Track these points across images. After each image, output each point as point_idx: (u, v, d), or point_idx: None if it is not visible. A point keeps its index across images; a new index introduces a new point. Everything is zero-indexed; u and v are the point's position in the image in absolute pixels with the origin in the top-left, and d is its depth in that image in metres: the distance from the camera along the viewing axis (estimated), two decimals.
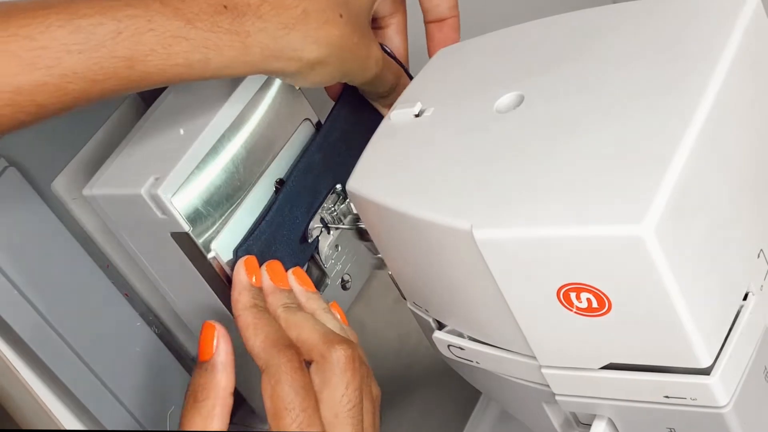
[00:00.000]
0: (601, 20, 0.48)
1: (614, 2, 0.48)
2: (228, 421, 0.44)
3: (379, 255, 0.51)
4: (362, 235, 0.53)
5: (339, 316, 0.50)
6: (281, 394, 0.43)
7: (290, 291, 0.49)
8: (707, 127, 0.38)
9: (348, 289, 0.58)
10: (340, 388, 0.44)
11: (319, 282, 0.56)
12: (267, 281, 0.49)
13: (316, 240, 0.54)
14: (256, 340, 0.45)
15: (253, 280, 0.48)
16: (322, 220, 0.54)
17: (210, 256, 0.50)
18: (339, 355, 0.45)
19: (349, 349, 0.45)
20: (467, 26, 0.56)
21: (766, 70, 0.43)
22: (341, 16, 0.46)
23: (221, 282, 0.51)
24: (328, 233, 0.55)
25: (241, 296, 0.47)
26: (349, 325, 0.50)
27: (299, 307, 0.48)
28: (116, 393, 0.57)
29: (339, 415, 0.44)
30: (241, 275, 0.48)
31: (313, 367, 0.45)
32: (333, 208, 0.54)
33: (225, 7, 0.43)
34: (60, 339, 0.54)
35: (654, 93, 0.41)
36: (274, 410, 0.43)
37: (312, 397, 0.43)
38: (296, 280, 0.50)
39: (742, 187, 0.41)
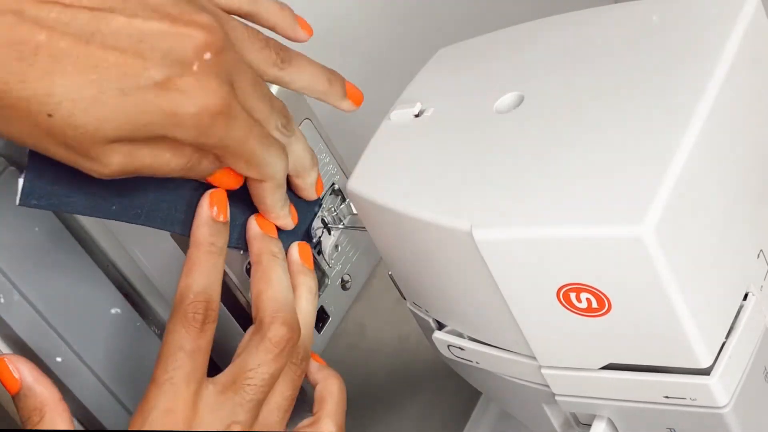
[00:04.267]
0: (601, 20, 0.48)
1: (615, 2, 0.48)
2: (71, 419, 0.44)
3: None
4: None
5: (314, 303, 0.49)
6: (170, 342, 0.44)
7: (278, 241, 0.48)
8: (707, 127, 0.38)
9: (348, 289, 0.58)
10: (252, 361, 0.44)
11: (319, 282, 0.56)
12: (254, 227, 0.48)
13: (319, 240, 0.54)
14: (183, 279, 0.45)
15: (214, 213, 0.46)
16: (322, 220, 0.54)
17: None
18: (273, 335, 0.45)
19: (287, 335, 0.45)
20: (467, 26, 0.56)
21: (766, 70, 0.43)
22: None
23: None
24: (329, 234, 0.55)
25: (198, 230, 0.45)
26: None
27: (283, 264, 0.48)
28: (116, 393, 0.57)
29: (236, 382, 0.44)
30: (202, 208, 0.46)
31: (251, 328, 0.46)
32: (333, 209, 0.54)
33: None
34: (60, 339, 0.53)
35: (654, 93, 0.41)
36: (160, 352, 0.44)
37: (197, 357, 0.43)
38: (298, 251, 0.50)
39: (741, 188, 0.41)
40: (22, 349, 0.53)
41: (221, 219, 0.46)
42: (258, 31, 0.46)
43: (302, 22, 0.48)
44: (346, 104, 0.50)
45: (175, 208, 0.46)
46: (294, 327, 0.46)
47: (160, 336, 0.60)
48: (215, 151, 0.42)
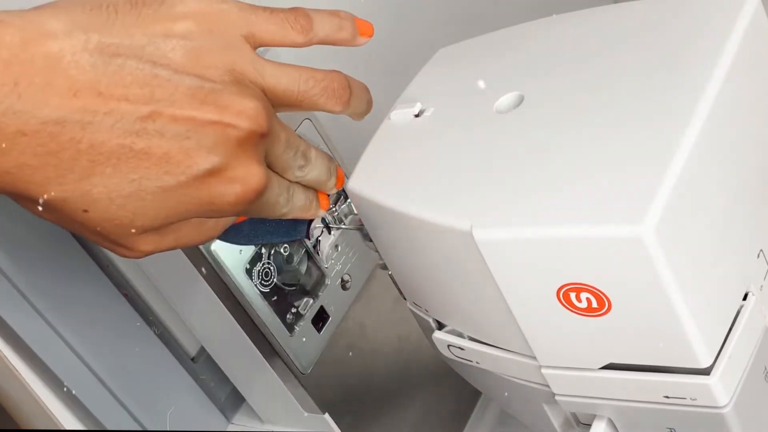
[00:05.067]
0: (601, 20, 0.48)
1: (614, 2, 0.48)
2: None
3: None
4: (367, 236, 0.53)
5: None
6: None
7: None
8: (707, 127, 0.38)
9: (348, 289, 0.58)
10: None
11: (319, 282, 0.56)
12: None
13: (317, 240, 0.54)
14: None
15: None
16: (323, 220, 0.54)
17: (210, 256, 0.50)
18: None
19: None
20: (467, 26, 0.56)
21: (766, 70, 0.43)
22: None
23: (221, 282, 0.51)
24: (329, 233, 0.55)
25: None
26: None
27: None
28: (116, 393, 0.57)
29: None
30: None
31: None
32: (334, 209, 0.54)
33: None
34: (60, 339, 0.54)
35: (654, 93, 0.41)
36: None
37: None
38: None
39: (741, 188, 0.41)
40: (22, 348, 0.53)
41: None
42: (314, 78, 0.44)
43: (361, 26, 0.47)
44: (360, 119, 0.49)
45: None
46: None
47: (160, 336, 0.60)
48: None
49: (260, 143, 0.40)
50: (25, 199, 0.37)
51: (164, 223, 0.39)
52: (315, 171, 0.47)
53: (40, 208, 0.37)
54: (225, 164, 0.39)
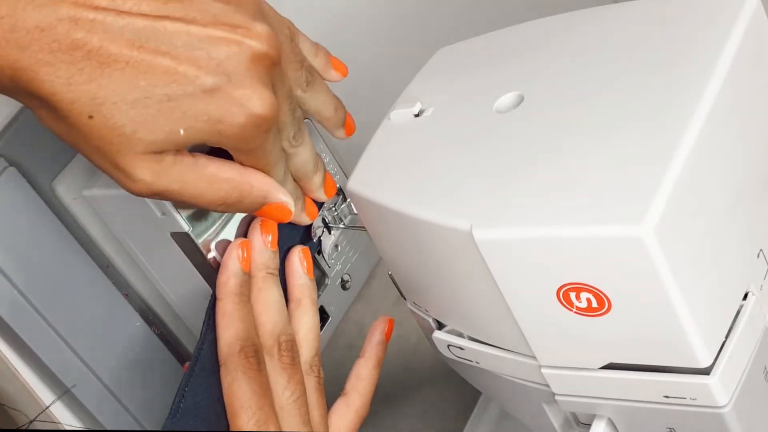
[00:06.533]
0: (601, 20, 0.48)
1: (614, 2, 0.48)
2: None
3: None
4: None
5: (317, 312, 0.51)
6: (237, 392, 0.44)
7: (274, 254, 0.48)
8: (707, 127, 0.38)
9: (348, 289, 0.58)
10: (281, 382, 0.46)
11: (319, 282, 0.56)
12: (257, 239, 0.48)
13: (320, 239, 0.54)
14: (226, 332, 0.46)
15: (243, 264, 0.48)
16: (323, 220, 0.54)
17: (210, 255, 0.50)
18: (282, 356, 0.47)
19: (292, 353, 0.47)
20: (467, 26, 0.56)
21: (766, 70, 0.43)
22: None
23: None
24: (329, 233, 0.55)
25: (229, 281, 0.47)
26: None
27: (277, 281, 0.48)
28: (116, 393, 0.57)
29: (284, 408, 0.46)
30: (232, 259, 0.47)
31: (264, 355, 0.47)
32: (334, 208, 0.54)
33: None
34: (60, 339, 0.53)
35: (654, 93, 0.41)
36: (231, 408, 0.44)
37: (268, 394, 0.45)
38: (299, 260, 0.50)
39: (741, 187, 0.41)
40: (22, 348, 0.53)
41: (246, 269, 0.47)
42: (300, 49, 0.46)
43: (335, 63, 0.50)
44: (340, 133, 0.51)
45: None
46: (294, 342, 0.48)
47: (160, 336, 0.60)
48: (237, 152, 0.43)
49: (271, 70, 0.40)
50: (37, 101, 0.38)
51: (166, 138, 0.39)
52: (304, 152, 0.47)
53: (50, 114, 0.38)
54: (235, 80, 0.39)
